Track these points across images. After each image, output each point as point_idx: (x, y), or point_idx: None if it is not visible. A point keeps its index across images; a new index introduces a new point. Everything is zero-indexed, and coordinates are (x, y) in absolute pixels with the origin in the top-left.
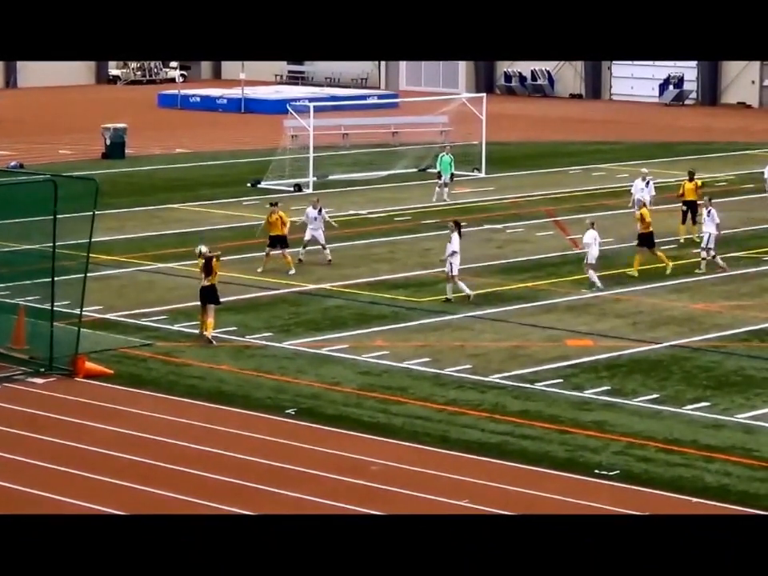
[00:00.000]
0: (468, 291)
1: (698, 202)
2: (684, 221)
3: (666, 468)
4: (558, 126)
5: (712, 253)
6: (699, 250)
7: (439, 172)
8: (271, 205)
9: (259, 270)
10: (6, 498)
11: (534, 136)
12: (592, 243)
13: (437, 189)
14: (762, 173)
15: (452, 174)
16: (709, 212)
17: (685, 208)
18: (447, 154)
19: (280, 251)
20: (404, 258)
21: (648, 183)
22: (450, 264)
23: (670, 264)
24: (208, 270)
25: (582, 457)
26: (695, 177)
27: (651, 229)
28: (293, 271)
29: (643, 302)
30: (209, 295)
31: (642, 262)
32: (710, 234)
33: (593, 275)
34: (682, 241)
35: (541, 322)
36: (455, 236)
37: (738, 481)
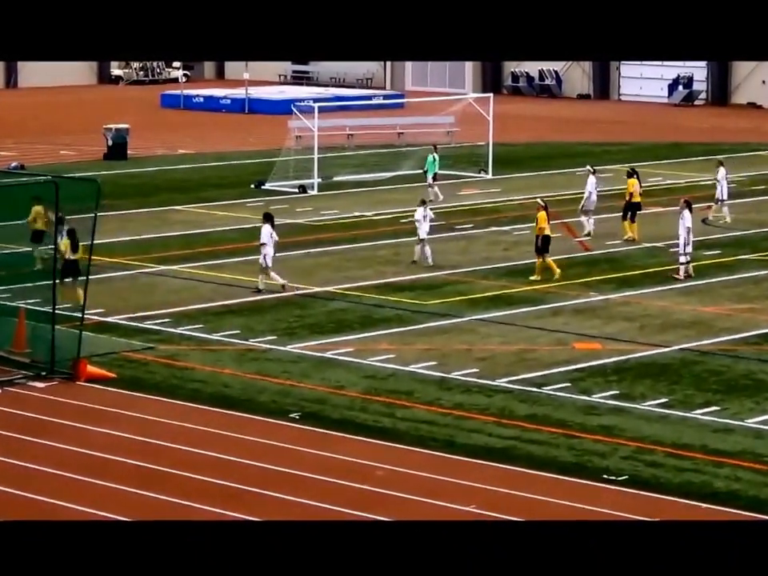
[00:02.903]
0: (280, 280)
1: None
2: (624, 218)
3: (675, 473)
4: (565, 127)
5: (688, 258)
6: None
7: (425, 172)
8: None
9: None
10: (6, 504)
11: (541, 137)
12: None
13: (435, 190)
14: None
15: (435, 174)
16: (682, 216)
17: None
18: (431, 153)
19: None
20: (409, 260)
21: (590, 179)
22: (264, 255)
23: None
24: (75, 245)
25: (590, 462)
26: (633, 176)
27: (548, 233)
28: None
29: (652, 305)
30: (73, 270)
31: (547, 265)
32: (684, 238)
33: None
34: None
35: (548, 325)
36: (266, 227)
37: (748, 486)
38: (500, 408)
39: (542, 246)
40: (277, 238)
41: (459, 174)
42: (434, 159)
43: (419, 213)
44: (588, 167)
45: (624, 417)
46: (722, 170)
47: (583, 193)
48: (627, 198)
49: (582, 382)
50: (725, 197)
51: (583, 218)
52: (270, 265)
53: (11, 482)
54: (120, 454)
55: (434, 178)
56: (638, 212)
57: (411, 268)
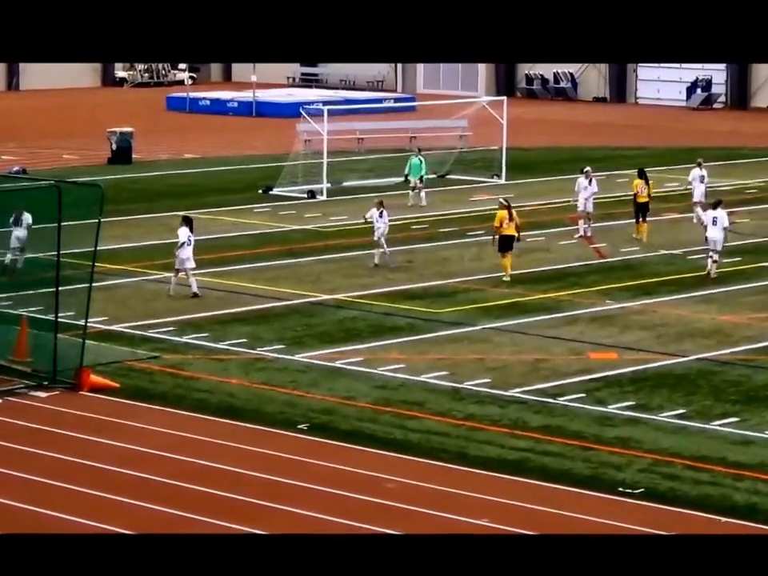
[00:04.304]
0: (194, 288)
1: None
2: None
3: (693, 486)
4: (580, 131)
5: (716, 257)
6: (709, 257)
7: (407, 175)
8: None
9: None
10: (7, 516)
11: (555, 141)
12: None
13: (410, 193)
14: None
15: (422, 177)
16: (714, 219)
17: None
18: (417, 156)
19: None
20: (421, 268)
21: (591, 181)
22: (178, 257)
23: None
24: None
25: (606, 474)
26: (640, 176)
27: (509, 233)
28: None
29: (669, 314)
30: None
31: (506, 265)
32: (716, 241)
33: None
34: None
35: (563, 334)
36: (184, 230)
37: None
38: (513, 419)
39: (500, 245)
40: (192, 241)
41: (472, 179)
42: (421, 162)
43: (374, 213)
44: (588, 168)
45: (641, 428)
46: (696, 171)
47: (587, 197)
48: (633, 199)
49: (598, 393)
50: (697, 198)
51: (582, 222)
52: (186, 267)
53: (12, 494)
54: (124, 465)
55: (421, 180)
56: (646, 212)
57: (425, 276)
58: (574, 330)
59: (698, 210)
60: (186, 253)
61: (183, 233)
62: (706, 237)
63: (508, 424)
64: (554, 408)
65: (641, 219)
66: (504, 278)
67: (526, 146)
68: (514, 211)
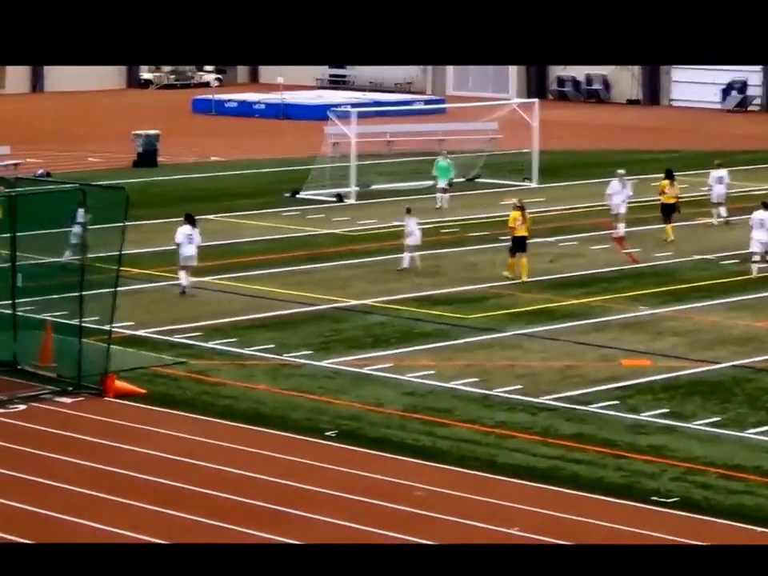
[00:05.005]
0: (184, 283)
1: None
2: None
3: (727, 495)
4: (613, 134)
5: (757, 258)
6: (756, 258)
7: (435, 177)
8: None
9: None
10: (32, 524)
11: (588, 144)
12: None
13: (438, 196)
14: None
15: (451, 180)
16: (761, 221)
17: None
18: (444, 158)
19: None
20: (450, 273)
21: (625, 184)
22: (181, 255)
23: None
24: None
25: (638, 483)
26: (668, 177)
27: (521, 233)
28: None
29: (702, 320)
30: None
31: (523, 265)
32: (763, 242)
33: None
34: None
35: (594, 340)
36: (184, 228)
37: None
38: (544, 427)
39: (513, 246)
40: (199, 240)
41: (503, 183)
42: (448, 165)
43: (406, 221)
44: (621, 171)
45: (674, 436)
46: (714, 173)
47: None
48: (659, 201)
49: (630, 400)
50: (714, 200)
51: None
52: (181, 264)
53: (37, 501)
54: (149, 472)
55: (450, 184)
56: (671, 213)
57: (454, 280)
58: (605, 336)
59: (717, 210)
60: (190, 250)
61: (181, 231)
62: (752, 237)
63: (539, 431)
64: (586, 415)
65: (665, 220)
66: (506, 276)
67: (558, 149)
68: (526, 213)
